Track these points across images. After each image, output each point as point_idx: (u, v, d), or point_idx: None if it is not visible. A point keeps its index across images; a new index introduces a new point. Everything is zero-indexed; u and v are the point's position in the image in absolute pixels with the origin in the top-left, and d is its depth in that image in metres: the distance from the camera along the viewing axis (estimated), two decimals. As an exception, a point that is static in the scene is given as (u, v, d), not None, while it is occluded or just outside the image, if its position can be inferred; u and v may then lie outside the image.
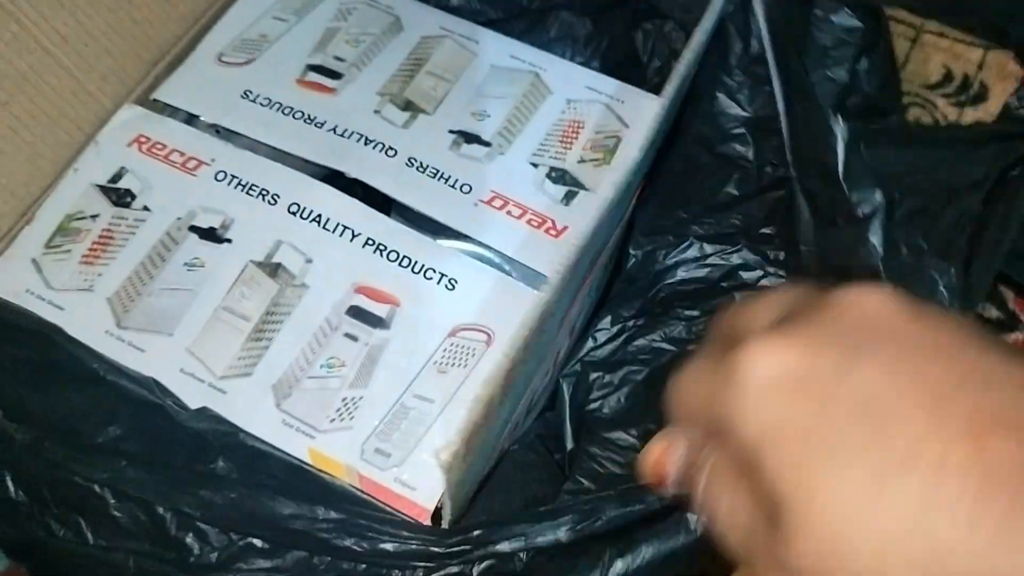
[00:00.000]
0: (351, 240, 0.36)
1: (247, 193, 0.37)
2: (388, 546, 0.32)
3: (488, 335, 0.35)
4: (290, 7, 0.42)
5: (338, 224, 0.36)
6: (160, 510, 0.34)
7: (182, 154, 0.38)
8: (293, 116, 0.39)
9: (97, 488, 0.34)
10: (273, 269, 0.35)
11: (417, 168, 0.38)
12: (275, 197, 0.37)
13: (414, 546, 0.32)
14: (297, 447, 0.33)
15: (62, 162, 0.38)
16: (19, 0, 0.35)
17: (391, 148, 0.38)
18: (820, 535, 0.18)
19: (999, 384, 0.18)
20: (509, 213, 0.37)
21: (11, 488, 0.35)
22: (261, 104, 0.39)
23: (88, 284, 0.35)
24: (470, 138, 0.39)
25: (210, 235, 0.36)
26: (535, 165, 0.39)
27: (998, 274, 0.46)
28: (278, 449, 0.32)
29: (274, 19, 0.42)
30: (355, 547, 0.32)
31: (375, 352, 0.34)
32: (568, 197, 0.38)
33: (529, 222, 0.37)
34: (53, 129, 0.37)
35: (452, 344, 0.35)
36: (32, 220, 0.37)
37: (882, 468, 0.18)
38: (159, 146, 0.38)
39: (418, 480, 0.32)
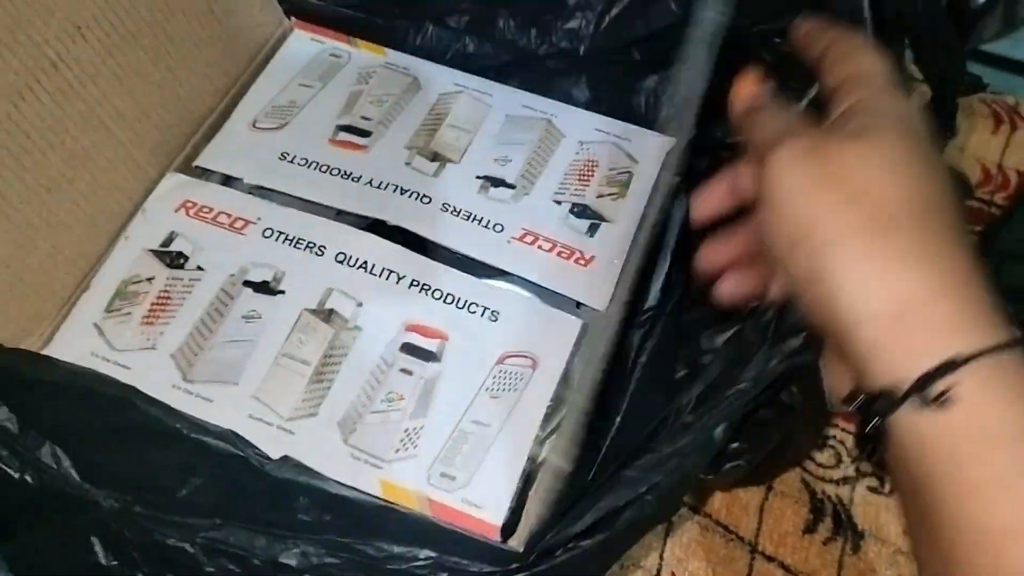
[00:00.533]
0: (397, 282, 0.38)
1: (295, 247, 0.39)
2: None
3: (533, 360, 0.37)
4: (314, 75, 0.45)
5: (383, 269, 0.39)
6: (256, 562, 0.35)
7: (228, 215, 0.40)
8: (330, 173, 0.42)
9: (188, 547, 0.35)
10: (327, 315, 0.38)
11: (451, 212, 0.41)
12: (321, 248, 0.39)
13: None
14: (368, 480, 0.35)
15: (114, 231, 0.40)
16: (86, 81, 0.38)
17: (425, 196, 0.41)
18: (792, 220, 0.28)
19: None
20: (540, 247, 0.40)
21: (100, 553, 0.36)
22: (299, 164, 0.42)
23: (151, 343, 0.37)
24: (496, 182, 0.42)
25: (264, 288, 0.38)
26: (558, 202, 0.42)
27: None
28: (354, 489, 0.34)
29: (300, 86, 0.45)
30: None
31: (430, 384, 0.37)
32: (592, 229, 0.41)
33: (559, 254, 0.40)
34: (108, 201, 0.39)
35: (501, 371, 0.37)
36: (89, 287, 0.39)
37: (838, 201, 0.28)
38: (206, 209, 0.40)
39: (484, 499, 0.34)
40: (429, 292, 0.38)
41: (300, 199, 0.41)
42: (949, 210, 0.29)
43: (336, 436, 0.35)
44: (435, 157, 0.42)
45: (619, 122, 0.45)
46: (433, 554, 0.34)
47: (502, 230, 0.40)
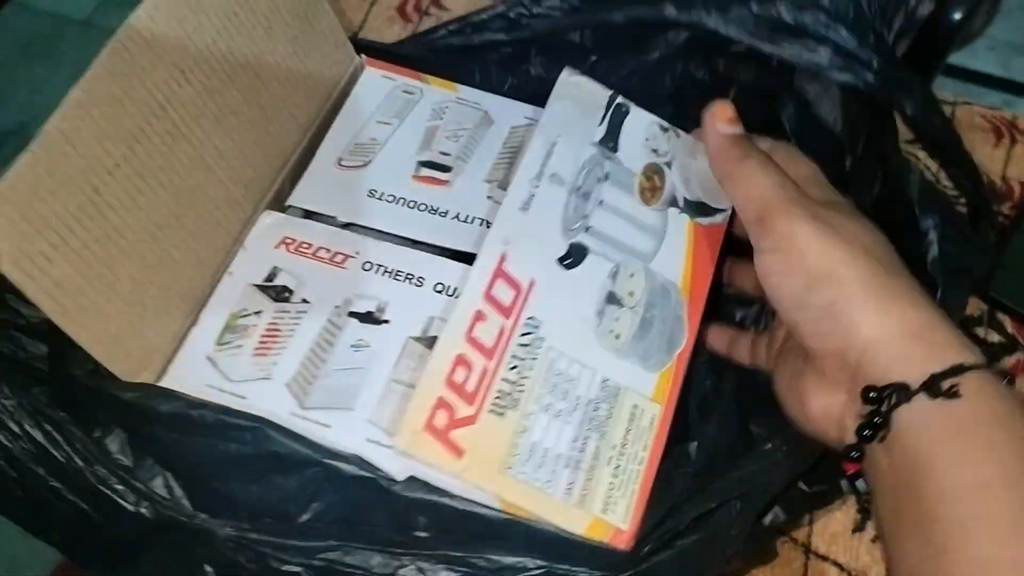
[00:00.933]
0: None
1: (394, 279, 0.41)
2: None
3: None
4: (390, 111, 0.47)
5: None
6: None
7: (328, 250, 0.42)
8: (418, 208, 0.43)
9: (304, 571, 0.37)
10: (430, 342, 0.39)
11: (538, 244, 0.43)
12: (420, 280, 0.41)
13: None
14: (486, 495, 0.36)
15: (217, 267, 0.41)
16: (190, 122, 0.39)
17: (511, 229, 0.43)
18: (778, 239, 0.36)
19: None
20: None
21: None
22: (387, 201, 0.44)
23: (265, 373, 0.39)
24: (577, 213, 0.44)
25: (369, 318, 0.40)
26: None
27: (994, 302, 0.53)
28: (473, 503, 0.36)
29: (379, 123, 0.47)
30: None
31: None
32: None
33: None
34: (212, 238, 0.41)
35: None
36: (198, 321, 0.40)
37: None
38: (305, 245, 0.42)
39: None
40: None
41: (393, 235, 0.43)
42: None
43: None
44: (514, 190, 0.45)
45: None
46: (543, 562, 0.36)
47: (586, 259, 0.43)
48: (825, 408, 0.35)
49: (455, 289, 0.41)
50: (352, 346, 0.39)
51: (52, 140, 0.34)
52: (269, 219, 0.43)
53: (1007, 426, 0.31)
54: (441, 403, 0.35)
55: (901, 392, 0.32)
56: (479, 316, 0.36)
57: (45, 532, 0.42)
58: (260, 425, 0.37)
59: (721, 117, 0.39)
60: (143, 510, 0.38)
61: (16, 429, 0.39)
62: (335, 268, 0.41)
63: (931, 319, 0.34)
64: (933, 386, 0.32)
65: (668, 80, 0.50)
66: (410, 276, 0.41)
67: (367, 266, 0.41)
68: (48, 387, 0.45)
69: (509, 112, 0.48)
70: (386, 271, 0.41)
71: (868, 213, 0.40)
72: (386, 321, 0.40)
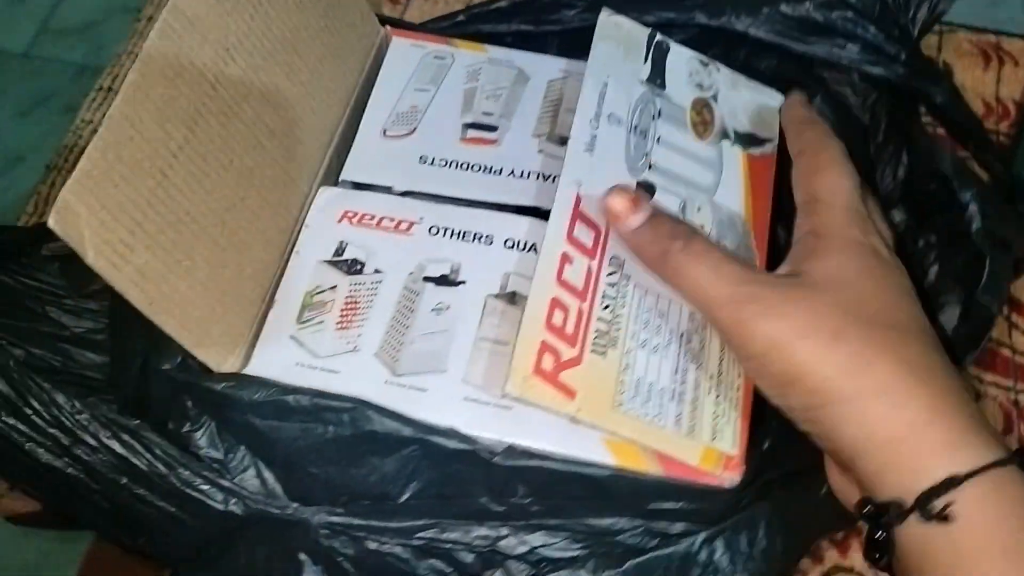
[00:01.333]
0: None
1: (462, 240, 0.40)
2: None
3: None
4: (425, 78, 0.46)
5: None
6: (469, 559, 0.37)
7: (392, 219, 0.41)
8: (471, 170, 0.43)
9: (402, 551, 0.37)
10: (510, 297, 0.39)
11: (600, 190, 0.43)
12: (489, 238, 0.40)
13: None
14: (590, 438, 0.36)
15: (284, 246, 0.41)
16: (240, 102, 0.38)
17: (568, 179, 0.43)
18: (824, 294, 0.32)
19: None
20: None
21: (310, 569, 0.37)
22: (439, 165, 0.43)
23: (352, 346, 0.38)
24: (630, 158, 0.44)
25: (445, 281, 0.39)
26: (688, 169, 0.44)
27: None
28: (577, 463, 0.36)
29: (416, 91, 0.46)
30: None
31: None
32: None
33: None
34: (275, 217, 0.40)
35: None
36: (274, 303, 0.39)
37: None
38: (368, 216, 0.41)
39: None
40: None
41: (452, 198, 0.42)
42: (927, 329, 0.32)
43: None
44: (562, 141, 0.44)
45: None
46: (640, 520, 0.36)
47: (648, 202, 0.43)
48: (843, 491, 0.33)
49: (525, 243, 0.40)
50: (433, 310, 0.39)
51: (117, 125, 0.33)
52: (327, 194, 0.42)
53: (1009, 553, 0.27)
54: (545, 347, 0.34)
55: (895, 511, 0.29)
56: (566, 258, 0.36)
57: (133, 538, 0.41)
58: (357, 405, 0.36)
59: (621, 216, 0.36)
60: (233, 507, 0.38)
61: (93, 442, 0.38)
62: (402, 236, 0.41)
63: (926, 413, 0.29)
64: (925, 505, 0.28)
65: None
66: (478, 235, 0.41)
67: (433, 230, 0.41)
68: (113, 394, 0.44)
69: (543, 67, 0.47)
70: (453, 233, 0.41)
71: (893, 199, 0.41)
72: (462, 282, 0.39)
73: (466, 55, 0.48)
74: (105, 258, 0.32)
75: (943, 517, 0.28)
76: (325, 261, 0.40)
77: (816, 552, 0.46)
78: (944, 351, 0.32)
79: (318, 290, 0.39)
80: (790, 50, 0.45)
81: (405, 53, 0.47)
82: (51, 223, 0.30)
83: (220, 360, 0.37)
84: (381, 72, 0.47)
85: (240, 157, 0.38)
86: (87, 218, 0.31)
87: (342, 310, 0.39)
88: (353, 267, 0.40)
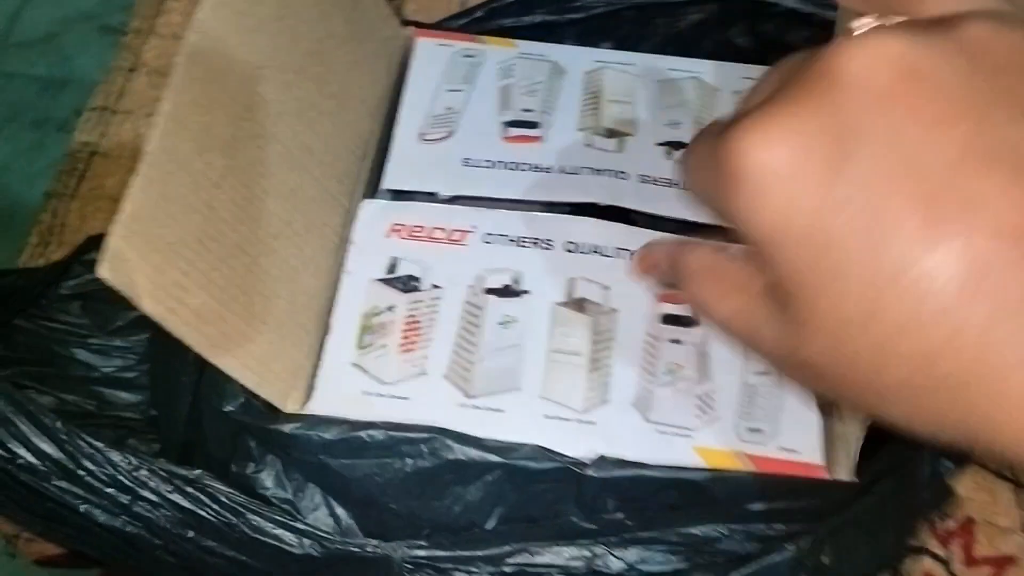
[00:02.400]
0: (631, 259, 0.38)
1: (520, 246, 0.38)
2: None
3: None
4: (457, 77, 0.44)
5: (615, 248, 0.38)
6: None
7: (443, 230, 0.39)
8: (519, 169, 0.41)
9: None
10: (578, 304, 0.37)
11: (652, 183, 0.41)
12: (548, 242, 0.39)
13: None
14: (682, 450, 0.35)
15: (333, 268, 0.38)
16: (275, 121, 0.36)
17: (621, 172, 0.41)
18: (825, 333, 0.19)
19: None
20: (744, 199, 0.41)
21: None
22: (484, 167, 0.41)
23: (420, 369, 0.36)
24: (678, 146, 0.42)
25: (508, 292, 0.37)
26: (741, 153, 0.42)
27: None
28: (668, 468, 0.34)
29: (449, 92, 0.44)
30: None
31: (702, 348, 0.37)
32: (781, 172, 0.42)
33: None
34: (321, 238, 0.38)
35: None
36: (331, 329, 0.37)
37: (875, 281, 0.18)
38: (417, 228, 0.39)
39: (797, 443, 0.35)
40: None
41: (504, 200, 0.40)
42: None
43: (636, 417, 0.35)
44: (611, 134, 0.42)
45: (760, 66, 0.46)
46: (737, 525, 0.34)
47: (703, 189, 0.41)
48: None
49: (587, 245, 0.38)
50: (499, 324, 0.37)
51: (158, 160, 0.31)
52: (370, 208, 0.40)
53: None
54: None
55: None
56: None
57: (203, 589, 0.39)
58: (435, 435, 0.34)
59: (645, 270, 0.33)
60: (309, 549, 0.36)
61: (154, 497, 0.36)
62: (456, 247, 0.39)
63: None
64: None
65: (708, 46, 0.48)
66: (537, 240, 0.39)
67: (488, 239, 0.39)
68: (156, 437, 0.43)
69: (577, 58, 0.45)
70: (510, 240, 0.39)
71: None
72: (526, 292, 0.38)
73: (496, 51, 0.45)
74: (160, 304, 0.30)
75: None
76: (379, 280, 0.38)
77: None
78: None
79: (375, 311, 0.37)
80: (823, 20, 0.44)
81: (432, 53, 0.45)
82: (102, 273, 0.28)
83: (283, 396, 0.35)
84: (410, 75, 0.44)
85: (281, 180, 0.36)
86: (138, 263, 0.29)
87: (403, 331, 0.37)
88: (409, 284, 0.38)
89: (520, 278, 0.38)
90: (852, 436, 0.34)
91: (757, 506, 0.34)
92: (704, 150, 0.21)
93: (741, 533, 0.34)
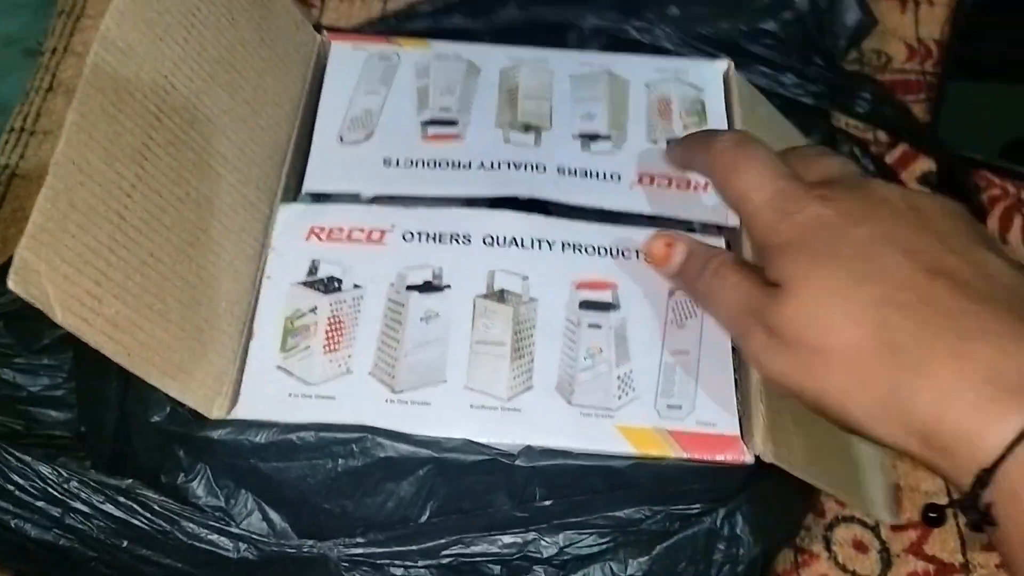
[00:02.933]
0: (550, 249, 0.39)
1: (439, 243, 0.39)
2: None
3: None
4: (374, 80, 0.45)
5: (533, 239, 0.39)
6: (497, 570, 0.35)
7: (362, 230, 0.39)
8: (440, 167, 0.41)
9: (428, 572, 0.35)
10: (499, 296, 0.38)
11: (570, 174, 0.41)
12: (467, 237, 0.39)
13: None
14: (605, 430, 0.35)
15: (254, 274, 0.38)
16: (187, 129, 0.36)
17: (539, 165, 0.41)
18: (806, 306, 0.29)
19: (950, 248, 0.29)
20: (659, 185, 0.41)
21: None
22: (405, 166, 0.41)
23: (344, 368, 0.36)
24: (593, 137, 0.43)
25: (429, 288, 0.38)
26: (654, 141, 0.43)
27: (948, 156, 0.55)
28: (591, 455, 0.35)
29: (367, 94, 0.44)
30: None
31: (620, 331, 0.37)
32: (694, 158, 0.43)
33: (678, 186, 0.41)
34: (240, 245, 0.38)
35: (676, 303, 0.38)
36: (254, 334, 0.37)
37: (859, 277, 0.28)
38: (336, 230, 0.39)
39: (715, 417, 0.36)
40: (582, 250, 0.39)
41: (425, 198, 0.41)
42: (950, 271, 0.28)
43: (559, 401, 0.36)
44: (527, 128, 0.43)
45: (671, 58, 0.47)
46: (660, 507, 0.35)
47: (620, 179, 0.41)
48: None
49: (505, 238, 0.39)
50: (422, 319, 0.37)
51: (65, 170, 0.31)
52: (289, 212, 0.40)
53: None
54: None
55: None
56: None
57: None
58: (365, 434, 0.34)
59: (661, 260, 0.37)
60: (246, 553, 0.36)
61: (87, 509, 0.36)
62: (375, 246, 0.39)
63: (990, 368, 0.26)
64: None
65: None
66: (455, 235, 0.39)
67: (407, 236, 0.39)
68: (86, 452, 0.42)
69: (491, 57, 0.46)
70: (428, 236, 0.39)
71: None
72: (447, 286, 0.38)
73: (412, 53, 0.46)
74: (74, 314, 0.30)
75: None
76: (300, 283, 0.38)
77: (817, 506, 0.46)
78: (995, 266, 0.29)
79: (298, 314, 0.37)
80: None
81: (348, 57, 0.45)
82: (11, 285, 0.28)
83: (208, 402, 0.35)
84: (326, 79, 0.45)
85: (195, 187, 0.36)
86: (49, 275, 0.29)
87: (327, 332, 0.37)
88: (331, 285, 0.38)
89: (440, 273, 0.38)
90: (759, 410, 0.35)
91: (677, 488, 0.35)
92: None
93: (663, 513, 0.36)
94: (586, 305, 0.38)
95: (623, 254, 0.39)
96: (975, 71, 0.56)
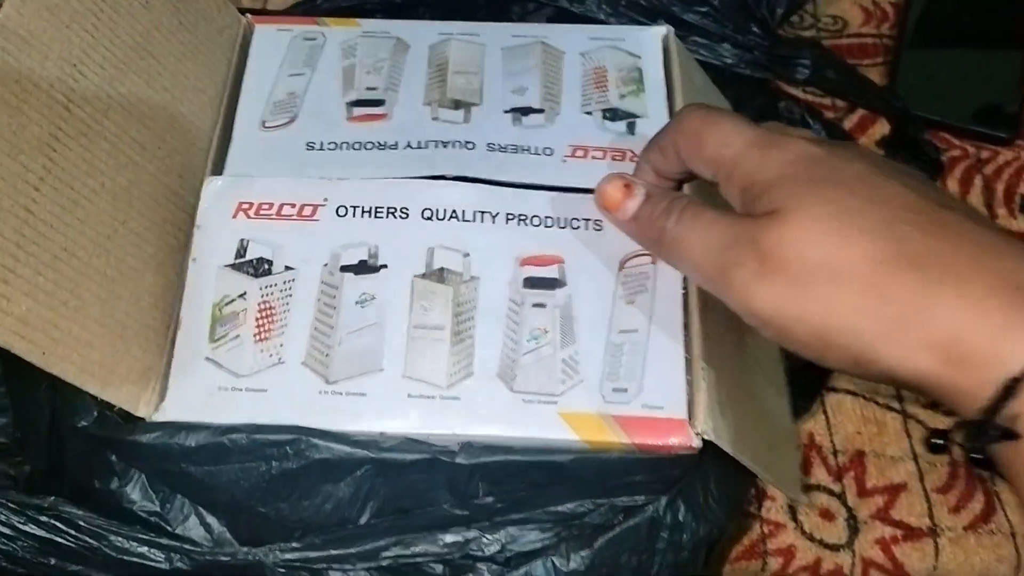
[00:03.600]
0: (492, 222, 0.38)
1: (375, 217, 0.38)
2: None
3: (650, 257, 0.37)
4: (298, 62, 0.43)
5: (474, 212, 0.38)
6: (439, 570, 0.35)
7: (292, 205, 0.38)
8: (365, 148, 0.40)
9: (366, 575, 0.34)
10: (439, 275, 0.37)
11: (499, 150, 0.40)
12: (404, 210, 0.38)
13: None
14: (548, 417, 0.34)
15: (180, 264, 0.37)
16: (100, 119, 0.35)
17: (468, 142, 0.40)
18: (812, 224, 0.27)
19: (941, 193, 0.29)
20: (593, 157, 0.41)
21: None
22: (329, 149, 0.40)
23: (276, 358, 0.35)
24: (524, 111, 0.42)
25: (364, 268, 0.37)
26: (589, 113, 0.42)
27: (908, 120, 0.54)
28: (532, 451, 0.34)
29: (291, 76, 0.43)
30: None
31: (566, 310, 0.36)
32: (630, 128, 0.42)
33: (613, 158, 0.41)
34: (164, 236, 0.37)
35: (626, 276, 0.37)
36: (180, 324, 0.36)
37: (866, 199, 0.28)
38: (265, 205, 0.38)
39: (661, 399, 0.35)
40: (527, 221, 0.38)
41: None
42: (951, 206, 0.28)
43: (501, 388, 0.35)
44: (457, 105, 0.42)
45: (607, 26, 0.46)
46: (603, 499, 0.35)
47: (552, 153, 0.41)
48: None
49: (445, 211, 0.38)
50: (357, 303, 0.36)
51: (-38, 166, 0.29)
52: (215, 185, 0.38)
53: None
54: None
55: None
56: None
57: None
58: (299, 435, 0.33)
59: (615, 204, 0.34)
60: (179, 564, 0.35)
61: (8, 531, 0.34)
62: (307, 223, 0.37)
63: (981, 308, 0.25)
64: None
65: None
66: (392, 209, 0.38)
67: (341, 211, 0.38)
68: (23, 460, 0.41)
69: (421, 33, 0.45)
70: (364, 211, 0.38)
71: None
72: (383, 266, 0.37)
73: (338, 32, 0.45)
74: (-22, 314, 0.28)
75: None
76: (228, 266, 0.37)
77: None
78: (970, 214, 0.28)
79: (226, 300, 0.36)
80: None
81: (272, 39, 0.44)
82: (-94, 286, 0.27)
83: (134, 399, 0.34)
84: (249, 62, 0.43)
85: (111, 178, 0.35)
86: (-53, 275, 0.28)
87: (257, 319, 0.36)
88: (260, 268, 0.37)
89: (376, 252, 0.37)
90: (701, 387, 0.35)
91: (619, 481, 0.35)
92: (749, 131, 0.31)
93: (606, 506, 0.35)
94: (531, 283, 0.37)
95: (571, 224, 0.38)
96: (933, 36, 0.55)
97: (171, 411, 0.34)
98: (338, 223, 0.38)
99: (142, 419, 0.34)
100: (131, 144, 0.36)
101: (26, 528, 0.34)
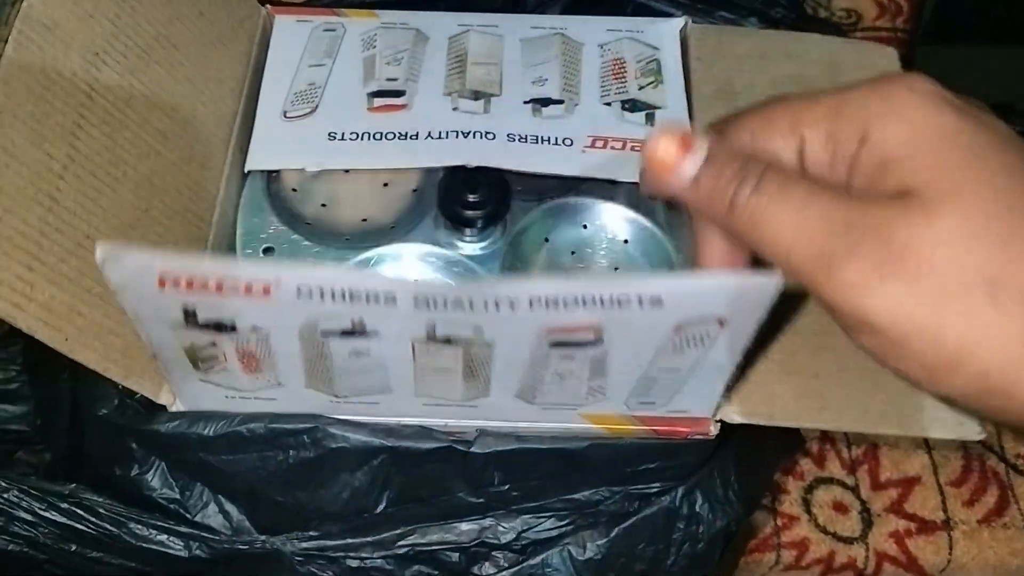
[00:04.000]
0: (512, 309, 0.27)
1: (355, 302, 0.27)
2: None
3: (720, 320, 0.28)
4: (319, 52, 0.43)
5: (484, 301, 0.26)
6: (455, 558, 0.35)
7: (234, 284, 0.27)
8: (386, 138, 0.40)
9: (385, 563, 0.35)
10: (444, 340, 0.29)
11: (520, 140, 0.40)
12: (390, 297, 0.27)
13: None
14: (567, 418, 0.34)
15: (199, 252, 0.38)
16: (122, 107, 0.35)
17: (488, 132, 0.40)
18: (957, 225, 0.22)
19: None
20: (612, 148, 0.41)
21: None
22: (351, 139, 0.40)
23: (277, 381, 0.32)
24: (544, 102, 0.42)
25: (352, 335, 0.29)
26: (608, 104, 0.42)
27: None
28: (546, 438, 0.34)
29: (311, 67, 0.43)
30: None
31: (600, 358, 0.30)
32: (649, 119, 0.42)
33: (632, 149, 0.41)
34: (185, 225, 0.37)
35: (679, 337, 0.29)
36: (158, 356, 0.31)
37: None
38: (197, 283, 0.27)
39: (690, 406, 0.33)
40: (557, 305, 0.27)
41: (372, 171, 0.40)
42: None
43: (520, 403, 0.33)
44: (477, 96, 0.42)
45: (625, 18, 0.46)
46: (617, 487, 0.35)
47: (572, 143, 0.41)
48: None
49: (447, 301, 0.27)
50: (351, 354, 0.30)
51: (-13, 153, 0.30)
52: (132, 260, 0.27)
53: None
54: None
55: None
56: None
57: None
58: (317, 425, 0.33)
59: (670, 165, 0.25)
60: (197, 552, 0.35)
61: (30, 517, 0.35)
62: (260, 299, 0.27)
63: None
64: None
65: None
66: (373, 295, 0.27)
67: (303, 291, 0.27)
68: (44, 448, 0.41)
69: (439, 24, 0.45)
70: (332, 295, 0.27)
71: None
72: (374, 332, 0.28)
73: (358, 23, 0.45)
74: (4, 300, 0.29)
75: None
76: (180, 328, 0.29)
77: (794, 469, 0.46)
78: None
79: (199, 348, 0.30)
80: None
81: (292, 30, 0.44)
82: (-67, 272, 0.27)
83: (156, 387, 0.34)
84: (270, 53, 0.43)
85: (133, 167, 0.35)
86: (-26, 260, 0.28)
87: (240, 360, 0.30)
88: (222, 328, 0.29)
89: (362, 321, 0.28)
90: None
91: (634, 468, 0.35)
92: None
93: (621, 494, 0.35)
94: (559, 344, 0.29)
95: (618, 303, 0.27)
96: (948, 31, 0.55)
97: (191, 401, 0.34)
98: (301, 305, 0.27)
99: (163, 408, 0.34)
100: (153, 133, 0.36)
101: (47, 515, 0.35)
